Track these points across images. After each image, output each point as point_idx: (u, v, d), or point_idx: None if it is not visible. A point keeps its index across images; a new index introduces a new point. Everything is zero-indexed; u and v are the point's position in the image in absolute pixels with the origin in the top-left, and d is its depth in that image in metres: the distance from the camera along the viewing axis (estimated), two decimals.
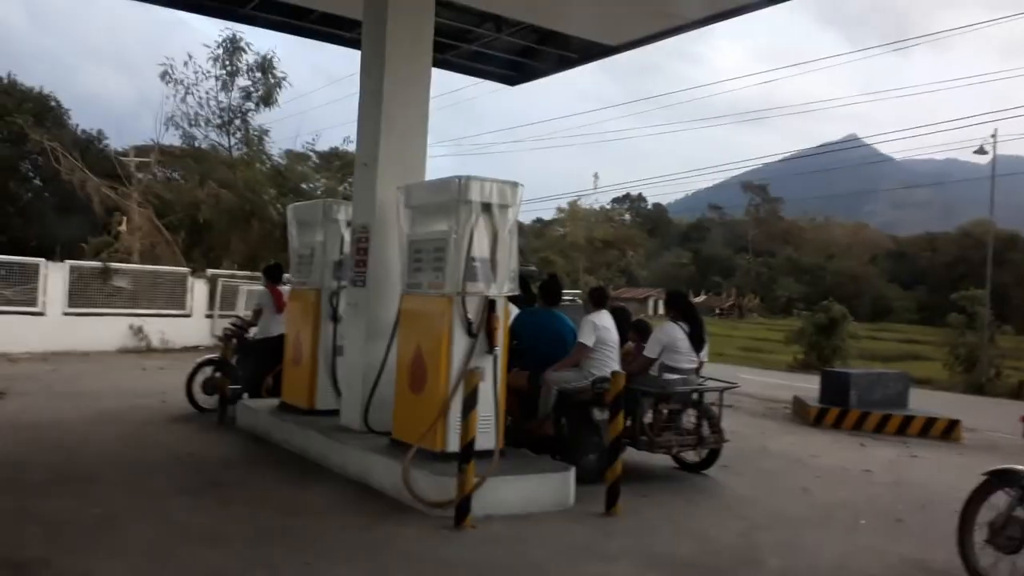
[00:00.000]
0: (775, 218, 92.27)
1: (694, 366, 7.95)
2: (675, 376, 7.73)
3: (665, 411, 7.71)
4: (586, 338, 7.49)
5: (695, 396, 7.90)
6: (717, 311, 76.13)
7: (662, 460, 8.23)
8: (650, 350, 7.84)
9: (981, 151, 26.72)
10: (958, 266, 56.58)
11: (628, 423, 7.11)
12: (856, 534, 6.34)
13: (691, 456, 8.14)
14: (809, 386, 14.52)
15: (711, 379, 8.23)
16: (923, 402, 13.34)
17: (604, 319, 7.70)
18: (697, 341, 7.98)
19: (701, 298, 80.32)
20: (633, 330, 8.55)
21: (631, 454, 7.45)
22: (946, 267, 61.74)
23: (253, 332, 10.21)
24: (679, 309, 8.20)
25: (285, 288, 10.00)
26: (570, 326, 7.96)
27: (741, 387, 9.39)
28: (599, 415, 7.19)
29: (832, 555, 5.72)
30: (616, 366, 7.45)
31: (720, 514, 6.64)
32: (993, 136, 26.72)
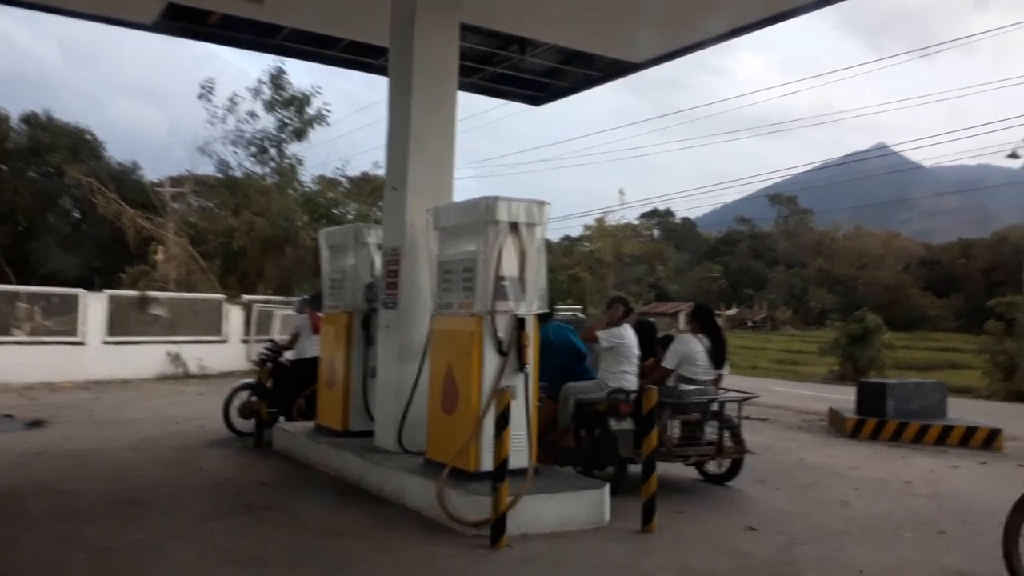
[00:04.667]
0: (805, 229, 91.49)
1: (711, 378, 8.00)
2: (691, 387, 7.80)
3: (682, 422, 7.76)
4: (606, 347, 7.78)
5: (715, 407, 7.94)
6: (749, 323, 75.54)
7: (687, 472, 8.32)
8: (668, 361, 7.94)
9: (1014, 155, 26.35)
10: (994, 272, 55.63)
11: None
12: (898, 547, 6.25)
13: (714, 467, 8.22)
14: (845, 397, 14.36)
15: (731, 390, 8.27)
16: (962, 411, 13.12)
17: (631, 334, 7.85)
18: (717, 356, 8.03)
19: (733, 311, 79.82)
20: (660, 345, 8.59)
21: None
22: (982, 273, 60.76)
23: (288, 355, 10.38)
24: (701, 322, 8.27)
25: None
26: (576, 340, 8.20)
27: (777, 400, 9.37)
28: (616, 425, 7.37)
29: (873, 569, 5.64)
30: (634, 378, 7.62)
31: (758, 530, 6.58)
32: None
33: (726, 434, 7.94)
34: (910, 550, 6.15)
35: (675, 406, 7.64)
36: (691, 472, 8.41)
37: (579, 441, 7.76)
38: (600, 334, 7.91)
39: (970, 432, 11.38)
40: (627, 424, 7.46)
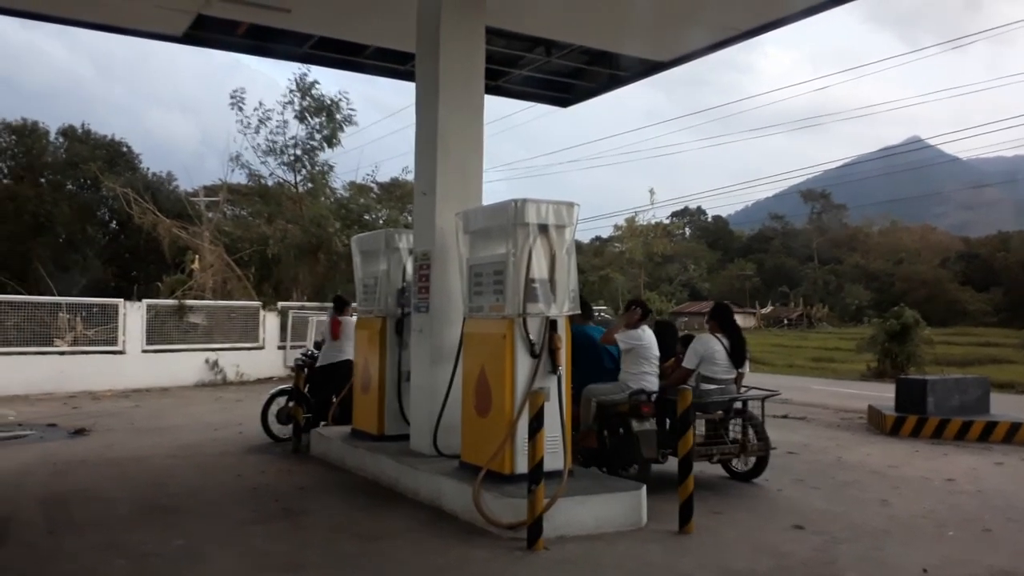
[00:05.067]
0: (839, 225, 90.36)
1: (732, 377, 8.08)
2: (713, 386, 7.85)
3: (705, 421, 7.86)
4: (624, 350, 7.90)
5: (738, 405, 8.01)
6: (785, 321, 74.71)
7: (715, 471, 8.39)
8: (688, 361, 8.01)
9: None
10: None
11: (671, 432, 7.43)
12: (941, 546, 6.14)
13: (739, 465, 8.29)
14: (884, 395, 14.15)
15: (753, 388, 8.35)
16: (1006, 407, 12.86)
17: (650, 335, 7.93)
18: (737, 355, 8.09)
19: (767, 309, 79.06)
20: (681, 345, 8.66)
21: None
22: (1022, 267, 59.51)
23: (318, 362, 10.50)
24: (720, 322, 8.32)
25: (349, 318, 10.26)
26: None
27: (814, 399, 9.27)
28: (637, 426, 7.47)
29: (916, 568, 5.54)
30: (654, 379, 7.75)
31: (796, 529, 6.51)
32: None
33: (750, 432, 8.03)
34: (954, 549, 6.04)
35: (697, 405, 7.58)
36: (718, 470, 8.44)
37: (602, 442, 7.84)
38: (618, 336, 7.95)
39: (1015, 428, 11.14)
40: (649, 425, 7.57)
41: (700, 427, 7.77)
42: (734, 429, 7.99)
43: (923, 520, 6.86)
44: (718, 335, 8.13)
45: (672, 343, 8.62)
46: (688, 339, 8.77)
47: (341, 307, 10.63)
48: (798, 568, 5.53)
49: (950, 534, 6.45)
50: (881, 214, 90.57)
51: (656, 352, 7.92)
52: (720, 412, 7.89)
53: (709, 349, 7.98)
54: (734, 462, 8.29)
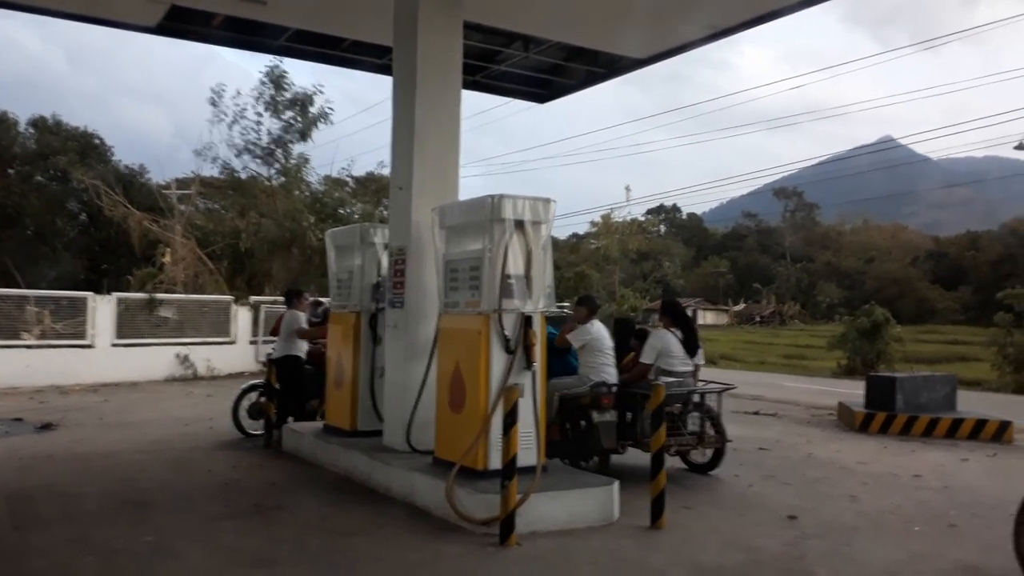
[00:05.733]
0: (812, 223, 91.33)
1: (689, 369, 8.33)
2: (671, 379, 7.97)
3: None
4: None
5: (695, 398, 8.19)
6: (757, 319, 75.42)
7: (673, 462, 8.37)
8: (646, 356, 8.22)
9: (1021, 147, 26.18)
10: (1003, 264, 55.48)
11: (630, 424, 7.87)
12: (908, 541, 6.23)
13: (697, 457, 8.46)
14: (854, 391, 14.30)
15: (711, 382, 8.57)
16: (972, 404, 13.07)
17: (599, 328, 8.12)
18: (691, 346, 8.34)
19: (740, 306, 79.74)
20: (636, 338, 8.86)
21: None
22: (991, 266, 60.53)
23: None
24: (672, 316, 8.59)
25: (290, 312, 10.10)
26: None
27: (786, 395, 9.38)
28: (598, 417, 7.68)
29: (883, 563, 5.63)
30: (613, 371, 7.96)
31: (767, 525, 6.57)
32: None
33: (707, 424, 8.24)
34: (920, 544, 6.13)
35: None
36: (676, 462, 8.48)
37: (564, 434, 7.96)
38: (568, 337, 8.11)
39: (980, 425, 11.34)
40: (609, 416, 7.79)
41: None
42: (692, 422, 8.16)
43: (891, 516, 6.96)
44: (672, 329, 8.38)
45: (632, 338, 8.87)
46: (643, 333, 9.03)
47: (290, 300, 10.45)
48: (768, 563, 5.59)
49: (917, 529, 6.55)
50: (853, 213, 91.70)
51: (610, 343, 8.14)
52: (679, 405, 8.07)
53: (665, 343, 8.23)
54: (692, 454, 8.45)
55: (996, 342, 24.00)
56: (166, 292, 20.49)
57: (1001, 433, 11.18)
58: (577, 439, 7.86)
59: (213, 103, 24.58)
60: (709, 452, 8.41)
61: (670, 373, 8.07)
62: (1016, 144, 26.35)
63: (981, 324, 35.69)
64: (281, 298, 20.54)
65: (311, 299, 11.25)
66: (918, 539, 6.29)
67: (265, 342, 17.94)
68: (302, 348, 10.04)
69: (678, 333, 8.35)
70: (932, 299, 66.82)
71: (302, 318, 10.10)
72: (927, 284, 69.44)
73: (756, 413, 13.93)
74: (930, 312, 63.10)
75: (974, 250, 68.73)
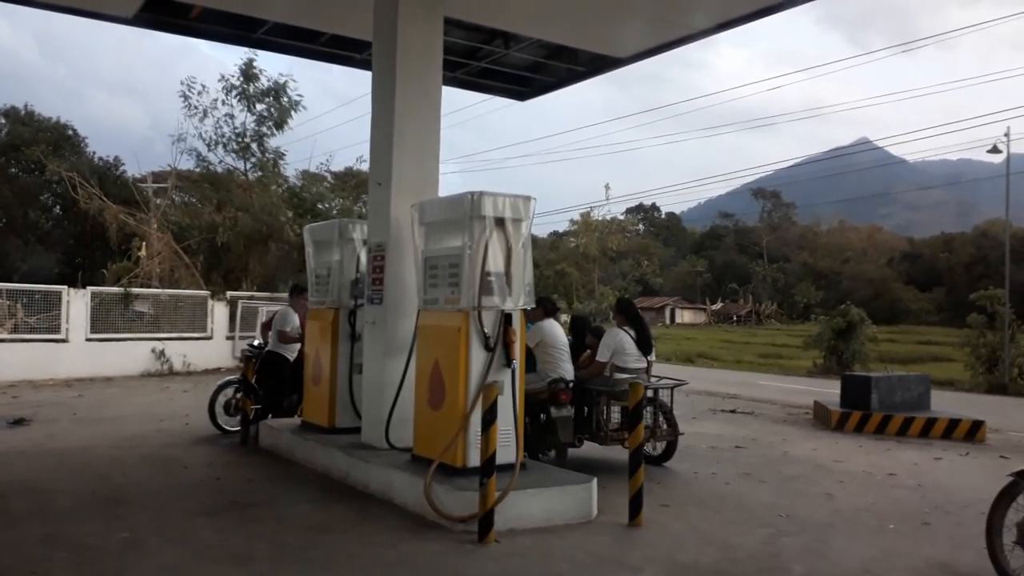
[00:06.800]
0: (788, 224, 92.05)
1: (643, 366, 8.60)
2: (625, 376, 8.26)
3: (617, 408, 8.39)
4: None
5: (649, 394, 8.40)
6: (734, 318, 75.91)
7: (622, 454, 8.54)
8: (601, 355, 8.49)
9: (995, 150, 26.49)
10: (976, 266, 56.21)
11: (586, 419, 8.24)
12: (882, 538, 6.30)
13: (650, 450, 8.65)
14: (830, 391, 14.45)
15: (665, 378, 8.95)
16: (945, 404, 13.24)
17: (551, 326, 8.36)
18: (644, 344, 8.63)
19: (718, 305, 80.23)
20: (592, 335, 9.10)
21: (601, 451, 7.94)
22: (964, 267, 61.34)
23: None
24: (626, 316, 8.86)
25: (290, 312, 10.05)
26: None
27: (762, 394, 9.47)
28: (556, 412, 7.97)
29: (858, 560, 5.69)
30: (569, 367, 8.23)
31: (743, 522, 6.62)
32: (1006, 134, 26.49)
33: (660, 418, 8.62)
34: (894, 542, 6.20)
35: (612, 394, 8.25)
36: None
37: (524, 428, 8.03)
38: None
39: (953, 424, 11.49)
40: (566, 411, 8.05)
41: (615, 414, 8.39)
42: (646, 416, 8.29)
43: (865, 513, 7.03)
44: (625, 328, 8.65)
45: (589, 336, 9.14)
46: (599, 331, 9.23)
47: (291, 296, 10.45)
48: (745, 560, 5.62)
49: (891, 527, 6.62)
50: (830, 213, 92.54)
51: (563, 340, 8.39)
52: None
53: (619, 341, 8.50)
54: (646, 446, 8.52)
55: (969, 343, 24.29)
56: (142, 286, 20.29)
57: (974, 432, 11.34)
58: (536, 433, 8.06)
59: (184, 96, 24.42)
60: (661, 445, 8.81)
61: (624, 370, 8.37)
62: (990, 147, 26.69)
63: (954, 325, 36.20)
64: (259, 293, 20.58)
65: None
66: (892, 537, 6.36)
67: (242, 337, 17.83)
68: (291, 348, 9.96)
69: (631, 332, 8.63)
70: (906, 300, 67.61)
71: (295, 319, 9.99)
72: (902, 285, 70.25)
73: (733, 411, 14.04)
74: (904, 313, 63.84)
75: (948, 252, 69.59)
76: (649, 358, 8.73)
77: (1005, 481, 5.15)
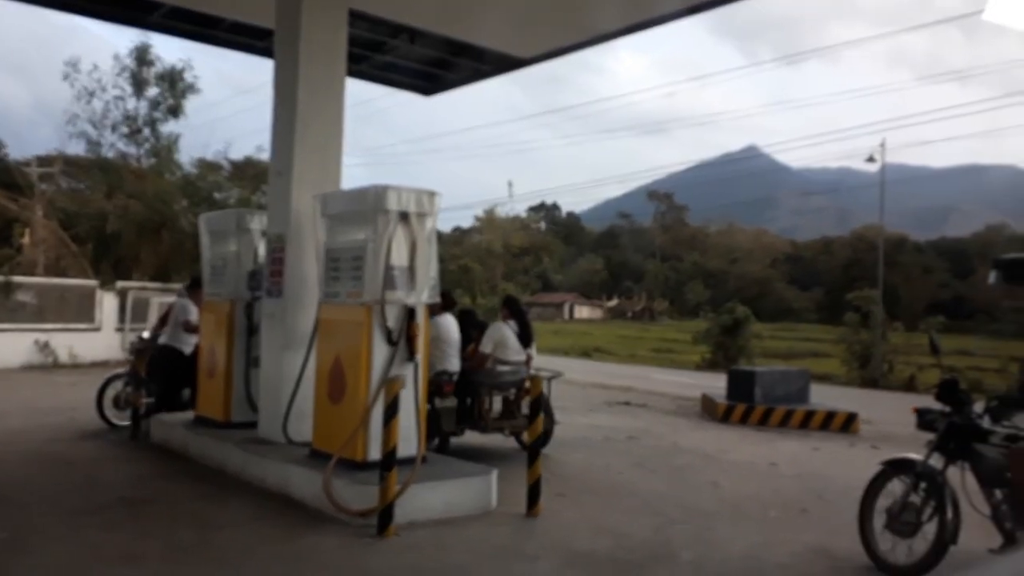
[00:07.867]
0: (681, 225, 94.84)
1: (523, 359, 8.88)
2: (506, 368, 8.60)
3: (498, 398, 8.76)
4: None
5: (527, 385, 8.54)
6: (629, 314, 77.65)
7: (505, 443, 9.22)
8: (484, 346, 8.75)
9: (871, 160, 28.09)
10: (852, 268, 59.15)
11: (469, 409, 8.51)
12: (764, 525, 6.65)
13: (527, 437, 8.84)
14: (717, 384, 15.01)
15: (542, 369, 9.09)
16: (823, 397, 13.95)
17: (447, 321, 8.55)
18: (525, 338, 8.94)
19: (614, 302, 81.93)
20: (478, 330, 9.30)
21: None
22: (842, 269, 64.51)
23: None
24: (510, 310, 9.20)
25: (188, 303, 9.77)
26: None
27: (654, 387, 9.79)
28: (440, 403, 8.20)
29: (742, 546, 6.00)
30: (456, 361, 8.46)
31: (635, 511, 6.86)
32: (881, 145, 28.17)
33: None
34: (775, 528, 6.55)
35: (493, 384, 8.58)
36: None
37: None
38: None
39: (830, 417, 12.16)
40: (450, 402, 8.31)
41: (496, 404, 8.69)
42: (525, 406, 8.47)
43: (749, 502, 7.40)
44: (509, 322, 8.93)
45: (474, 330, 9.29)
46: (483, 324, 9.51)
47: (189, 290, 10.12)
48: (637, 547, 5.85)
49: (773, 515, 6.99)
50: (719, 216, 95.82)
51: (455, 336, 8.57)
52: (513, 390, 8.67)
53: (502, 335, 8.76)
54: (524, 435, 8.79)
55: (845, 340, 25.67)
56: (24, 275, 19.22)
57: (848, 424, 12.04)
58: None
59: (67, 76, 23.31)
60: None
61: (506, 362, 8.67)
62: (867, 157, 28.26)
63: (832, 323, 38.08)
64: (151, 284, 19.80)
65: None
66: (774, 524, 6.71)
67: (132, 329, 17.13)
68: (188, 341, 9.61)
69: (514, 325, 8.90)
70: (789, 299, 70.83)
71: (194, 310, 9.68)
72: (785, 285, 73.57)
73: (627, 404, 14.44)
74: (787, 311, 66.74)
75: (827, 254, 73.27)
76: (529, 351, 8.99)
77: (876, 470, 5.54)
